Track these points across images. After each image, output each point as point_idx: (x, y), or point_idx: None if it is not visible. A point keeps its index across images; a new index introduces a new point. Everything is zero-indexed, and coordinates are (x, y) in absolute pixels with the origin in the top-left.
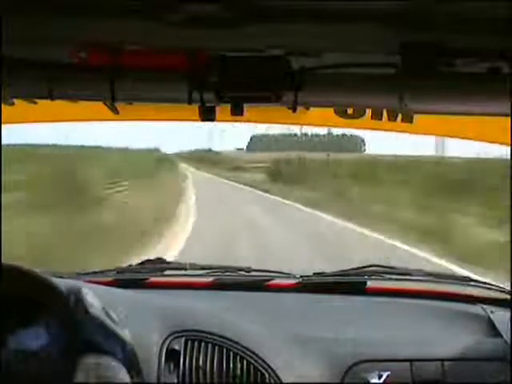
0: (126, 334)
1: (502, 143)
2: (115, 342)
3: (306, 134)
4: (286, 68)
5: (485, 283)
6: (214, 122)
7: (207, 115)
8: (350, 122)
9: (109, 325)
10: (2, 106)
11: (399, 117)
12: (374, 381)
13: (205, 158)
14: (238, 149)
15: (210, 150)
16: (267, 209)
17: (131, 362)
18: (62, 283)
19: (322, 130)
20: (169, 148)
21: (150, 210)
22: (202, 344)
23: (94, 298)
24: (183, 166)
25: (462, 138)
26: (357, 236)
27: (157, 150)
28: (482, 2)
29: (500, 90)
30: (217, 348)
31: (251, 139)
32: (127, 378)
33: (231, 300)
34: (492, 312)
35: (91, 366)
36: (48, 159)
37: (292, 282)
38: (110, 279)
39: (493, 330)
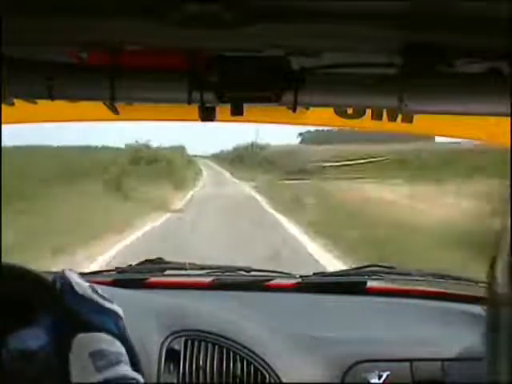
0: (115, 307)
1: (502, 143)
2: (105, 317)
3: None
4: (286, 68)
5: (484, 283)
6: None
7: (207, 115)
8: (350, 122)
9: (99, 302)
10: (2, 106)
11: (399, 117)
12: (373, 381)
13: (247, 156)
14: (300, 134)
15: (252, 145)
16: None
17: (123, 334)
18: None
19: None
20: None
21: None
22: (202, 344)
23: (78, 277)
24: (208, 171)
25: (462, 138)
26: None
27: (181, 148)
28: (482, 2)
29: (500, 89)
30: (217, 348)
31: (300, 134)
32: (122, 349)
33: (231, 300)
34: None
35: (83, 342)
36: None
37: (292, 281)
38: (109, 279)
39: None
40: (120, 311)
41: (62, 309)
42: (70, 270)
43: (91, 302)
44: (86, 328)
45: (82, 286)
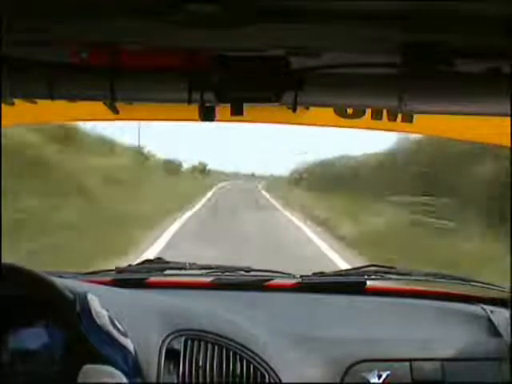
0: (129, 343)
1: (501, 143)
2: (116, 351)
3: None
4: (286, 68)
5: (484, 283)
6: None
7: (207, 115)
8: (349, 122)
9: (114, 335)
10: (2, 105)
11: (399, 117)
12: (373, 380)
13: None
14: None
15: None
16: None
17: (131, 369)
18: (64, 283)
19: None
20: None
21: None
22: (202, 344)
23: (99, 305)
24: None
25: (462, 138)
26: None
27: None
28: (483, 2)
29: (500, 89)
30: (216, 348)
31: None
32: None
33: (231, 300)
34: (492, 312)
35: (89, 374)
36: None
37: (292, 281)
38: (109, 279)
39: (492, 329)
40: (131, 346)
41: (76, 332)
42: (90, 290)
43: (106, 333)
44: (94, 359)
45: (101, 315)
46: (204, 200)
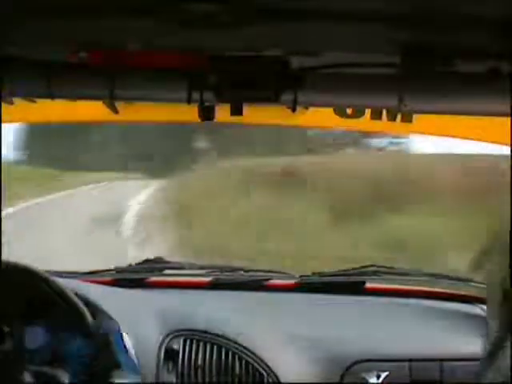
0: (128, 342)
1: (501, 143)
2: (117, 351)
3: None
4: (285, 68)
5: (484, 283)
6: None
7: (207, 115)
8: (349, 122)
9: (112, 334)
10: (2, 105)
11: (399, 117)
12: (372, 380)
13: None
14: None
15: None
16: None
17: (132, 370)
18: (64, 283)
19: None
20: None
21: None
22: (201, 343)
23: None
24: None
25: (462, 138)
26: None
27: None
28: (483, 2)
29: (500, 90)
30: (215, 347)
31: None
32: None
33: (230, 300)
34: None
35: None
36: None
37: (291, 281)
38: (109, 279)
39: None
40: (130, 346)
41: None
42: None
43: (105, 332)
44: (93, 358)
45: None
46: None
